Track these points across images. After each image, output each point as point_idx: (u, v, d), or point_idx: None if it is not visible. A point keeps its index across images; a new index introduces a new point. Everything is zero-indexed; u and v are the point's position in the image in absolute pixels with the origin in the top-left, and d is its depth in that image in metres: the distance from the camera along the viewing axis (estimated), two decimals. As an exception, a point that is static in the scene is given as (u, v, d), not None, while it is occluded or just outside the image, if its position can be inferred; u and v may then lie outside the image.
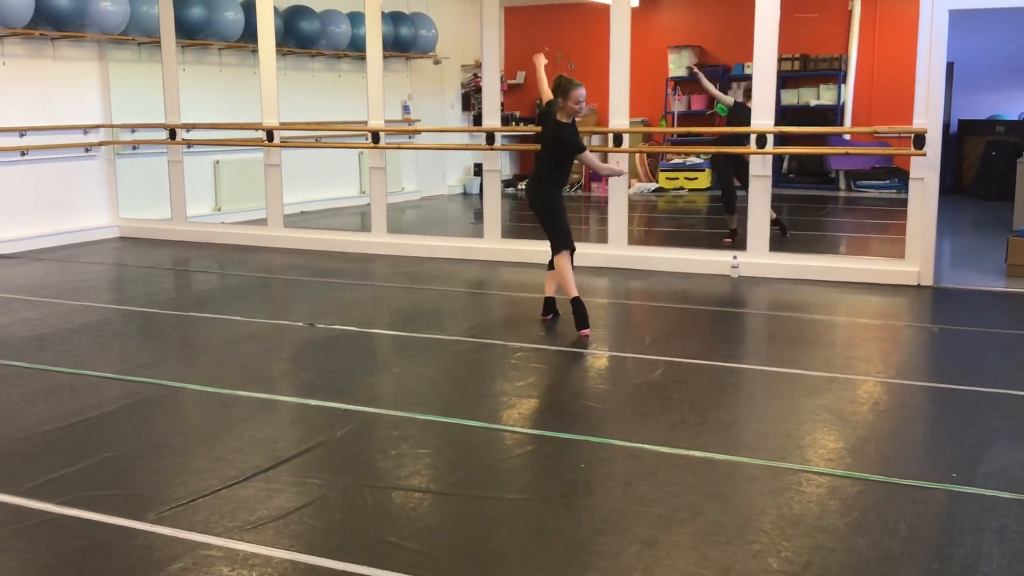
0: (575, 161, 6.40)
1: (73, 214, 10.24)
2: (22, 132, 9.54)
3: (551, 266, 6.45)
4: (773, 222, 9.09)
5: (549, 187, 6.38)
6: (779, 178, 12.33)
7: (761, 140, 7.86)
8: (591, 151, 6.75)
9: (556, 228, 6.37)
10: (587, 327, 6.09)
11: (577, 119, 6.30)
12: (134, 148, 10.68)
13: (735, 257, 8.00)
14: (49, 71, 9.85)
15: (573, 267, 6.37)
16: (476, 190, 14.71)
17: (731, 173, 9.51)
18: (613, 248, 8.56)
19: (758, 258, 7.99)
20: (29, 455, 4.05)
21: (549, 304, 6.58)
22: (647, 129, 14.29)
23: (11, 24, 9.05)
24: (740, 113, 9.38)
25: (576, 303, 6.14)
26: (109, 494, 3.61)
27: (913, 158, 7.48)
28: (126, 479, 3.79)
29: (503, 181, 9.49)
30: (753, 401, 4.87)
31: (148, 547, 3.21)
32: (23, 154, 9.58)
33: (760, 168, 7.99)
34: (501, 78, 9.30)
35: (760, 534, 3.27)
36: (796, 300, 7.28)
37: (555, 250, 6.34)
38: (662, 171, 14.88)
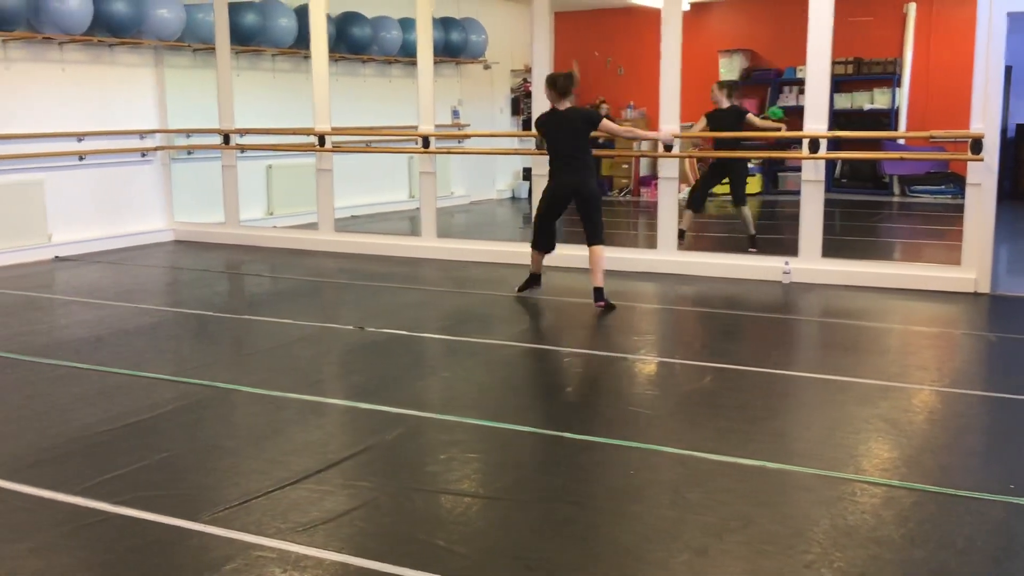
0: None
1: (129, 218, 10.42)
2: (80, 137, 9.74)
3: (536, 246, 7.29)
4: (751, 238, 9.36)
5: (596, 177, 6.99)
6: (832, 183, 12.17)
7: (814, 144, 7.77)
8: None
9: (601, 215, 7.18)
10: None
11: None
12: (189, 153, 10.86)
13: (787, 263, 7.91)
14: (107, 77, 10.05)
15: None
16: (525, 194, 14.72)
17: (713, 178, 9.71)
18: (662, 253, 8.51)
19: (810, 264, 7.90)
20: (86, 455, 4.12)
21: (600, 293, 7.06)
22: (697, 134, 14.18)
23: (70, 31, 9.24)
24: (726, 116, 9.34)
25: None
26: (164, 494, 3.67)
27: (970, 163, 7.34)
28: (180, 480, 3.85)
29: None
30: (805, 409, 4.81)
31: (202, 547, 3.25)
32: (81, 159, 9.78)
33: (813, 173, 7.90)
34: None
35: (813, 544, 3.23)
36: (849, 307, 7.18)
37: (600, 238, 7.15)
38: (712, 176, 14.75)
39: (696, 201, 9.71)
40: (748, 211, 9.65)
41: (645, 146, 13.33)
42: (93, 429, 4.43)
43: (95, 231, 10.01)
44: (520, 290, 7.50)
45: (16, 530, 3.38)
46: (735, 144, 9.61)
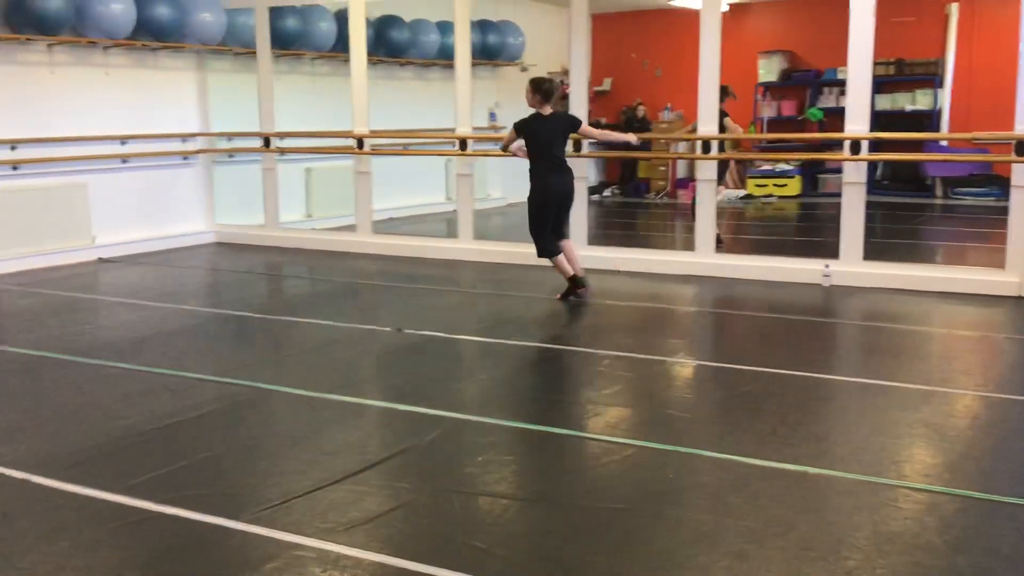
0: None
1: (171, 220, 10.56)
2: (124, 140, 9.88)
3: (542, 253, 7.42)
4: (718, 239, 9.35)
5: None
6: (873, 185, 12.03)
7: (855, 146, 7.69)
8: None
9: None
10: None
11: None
12: (230, 156, 10.97)
13: (827, 266, 7.84)
14: (150, 81, 10.18)
15: None
16: (562, 197, 14.70)
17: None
18: (700, 256, 8.47)
19: (851, 267, 7.82)
20: (129, 454, 4.18)
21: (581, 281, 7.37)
22: (735, 136, 14.10)
23: (114, 35, 9.38)
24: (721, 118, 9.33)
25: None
26: (205, 493, 3.71)
27: (1014, 165, 7.24)
28: (222, 479, 3.89)
29: (588, 188, 9.47)
30: (847, 414, 4.76)
31: (243, 546, 3.28)
32: (124, 161, 9.93)
33: (854, 175, 7.82)
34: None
35: (855, 550, 3.19)
36: (891, 310, 7.10)
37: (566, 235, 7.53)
38: (750, 178, 14.68)
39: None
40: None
41: (682, 148, 13.27)
42: (137, 428, 4.49)
43: (138, 233, 10.15)
44: (564, 297, 7.41)
45: (61, 528, 3.43)
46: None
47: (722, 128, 9.51)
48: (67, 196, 9.40)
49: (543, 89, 7.26)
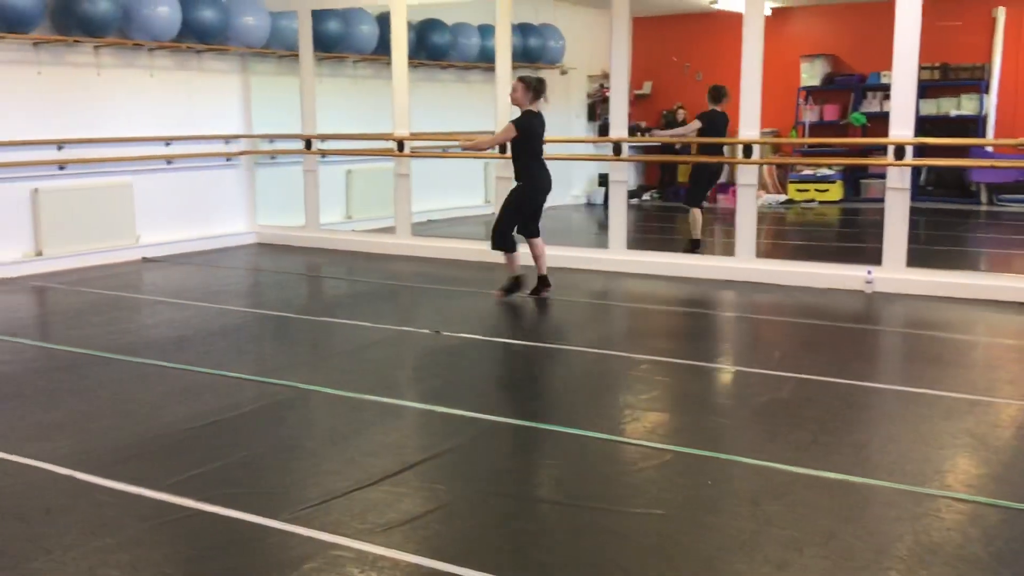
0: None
1: (214, 220, 10.67)
2: (168, 141, 10.01)
3: (502, 247, 7.48)
4: (693, 242, 9.69)
5: None
6: (917, 191, 11.88)
7: (900, 151, 7.60)
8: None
9: None
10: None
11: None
12: (272, 158, 11.08)
13: (869, 272, 7.75)
14: (194, 83, 10.31)
15: None
16: (600, 200, 14.68)
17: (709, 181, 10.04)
18: (740, 261, 8.40)
19: (894, 273, 7.72)
20: (172, 451, 4.23)
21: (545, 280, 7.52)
22: (777, 140, 14.00)
23: (160, 37, 9.50)
24: (717, 120, 9.48)
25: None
26: (246, 492, 3.74)
27: (1064, 171, 7.11)
28: (262, 478, 3.92)
29: (628, 192, 9.44)
30: (889, 422, 4.70)
31: (282, 545, 3.31)
32: (168, 162, 10.05)
33: (898, 180, 7.73)
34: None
35: (896, 561, 3.15)
36: (934, 318, 7.01)
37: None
38: (792, 182, 14.56)
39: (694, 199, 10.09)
40: (699, 215, 9.87)
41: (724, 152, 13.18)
42: (178, 426, 4.54)
43: (181, 233, 10.27)
44: (506, 293, 7.54)
45: (104, 524, 3.48)
46: (712, 149, 9.96)
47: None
48: (112, 196, 9.54)
49: (535, 87, 7.31)
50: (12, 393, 5.14)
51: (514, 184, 7.45)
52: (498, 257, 9.46)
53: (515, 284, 7.50)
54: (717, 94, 9.60)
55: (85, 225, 9.28)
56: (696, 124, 9.55)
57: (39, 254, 8.98)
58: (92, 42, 9.11)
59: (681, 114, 14.90)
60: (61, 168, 9.11)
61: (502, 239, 7.48)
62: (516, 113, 7.52)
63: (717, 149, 9.86)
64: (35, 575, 3.10)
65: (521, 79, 7.41)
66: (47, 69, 8.98)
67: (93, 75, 9.37)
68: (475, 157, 8.32)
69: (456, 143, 11.83)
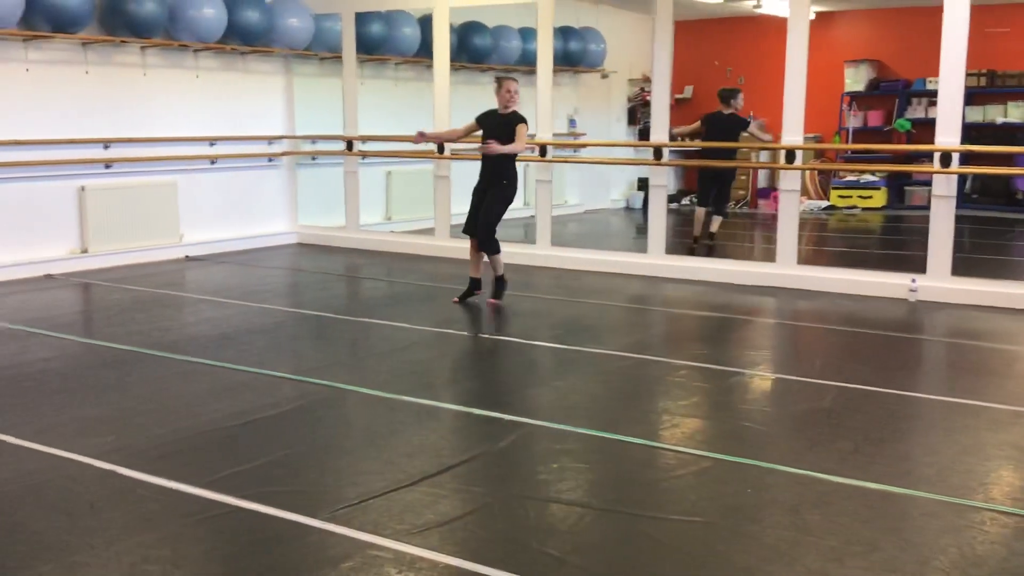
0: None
1: (255, 220, 10.77)
2: (212, 141, 10.12)
3: (493, 249, 7.44)
4: (709, 236, 9.93)
5: None
6: (962, 199, 11.71)
7: (945, 159, 7.50)
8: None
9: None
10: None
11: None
12: (313, 159, 11.16)
13: (913, 280, 7.65)
14: (238, 84, 10.41)
15: None
16: (639, 204, 14.63)
17: (706, 184, 10.22)
18: (781, 267, 8.34)
19: (938, 282, 7.62)
20: (213, 449, 4.27)
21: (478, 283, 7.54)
22: (820, 146, 13.87)
23: (205, 39, 9.61)
24: (721, 123, 9.58)
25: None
26: (285, 490, 3.77)
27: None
28: (301, 477, 3.95)
29: (668, 196, 9.39)
30: (932, 433, 4.64)
31: (320, 544, 3.33)
32: (212, 162, 10.16)
33: (944, 188, 7.62)
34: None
35: (939, 573, 3.10)
36: (980, 327, 6.90)
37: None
38: (834, 188, 14.41)
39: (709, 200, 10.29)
40: (701, 214, 10.11)
41: (765, 156, 13.08)
42: (219, 424, 4.59)
43: (223, 232, 10.38)
44: (463, 299, 7.53)
45: (146, 519, 3.52)
46: (729, 153, 10.06)
47: (753, 137, 9.71)
48: (157, 195, 9.66)
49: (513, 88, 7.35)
50: (57, 388, 5.23)
51: (502, 183, 7.41)
52: (534, 260, 9.49)
53: (502, 284, 7.53)
54: (724, 96, 9.78)
55: (130, 223, 9.41)
56: (695, 125, 9.79)
57: (85, 251, 9.11)
58: (139, 43, 9.24)
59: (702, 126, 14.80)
60: (107, 167, 9.24)
61: (495, 241, 7.48)
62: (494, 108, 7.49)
63: (720, 151, 9.91)
64: (78, 568, 3.15)
65: (511, 79, 7.44)
66: (94, 69, 9.12)
67: (139, 75, 9.49)
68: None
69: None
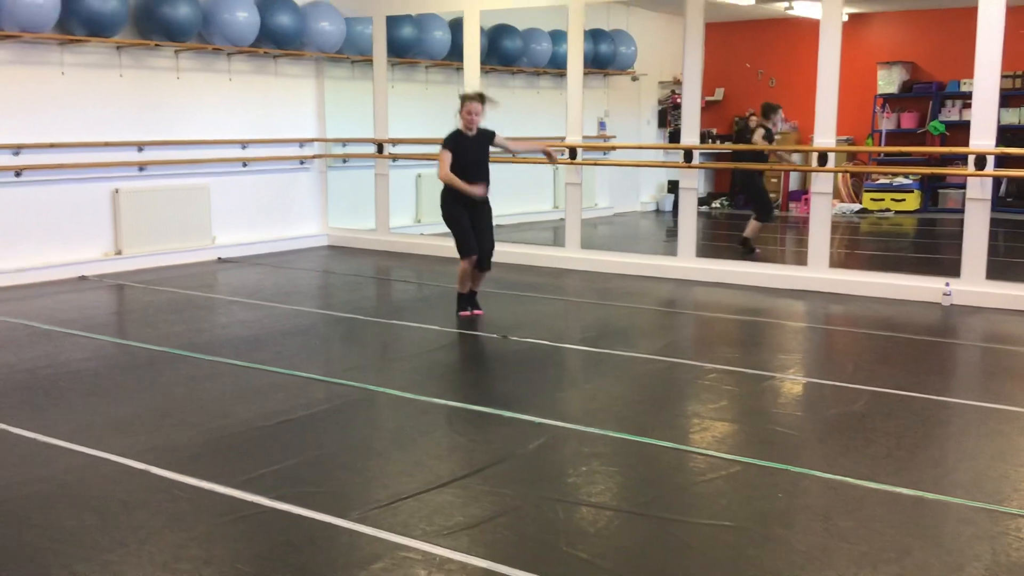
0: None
1: (287, 222, 10.85)
2: (244, 144, 10.20)
3: (485, 267, 7.13)
4: (743, 242, 9.97)
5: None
6: (997, 202, 11.57)
7: (980, 161, 7.42)
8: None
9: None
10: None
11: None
12: (344, 161, 11.23)
13: (947, 284, 7.58)
14: (270, 87, 10.50)
15: None
16: (669, 207, 14.59)
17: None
18: (813, 271, 8.28)
19: (973, 286, 7.54)
20: (245, 449, 4.30)
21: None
22: (852, 148, 13.77)
23: (238, 42, 9.70)
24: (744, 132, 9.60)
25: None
26: (316, 491, 3.79)
27: None
28: (331, 477, 3.97)
29: (698, 199, 9.36)
30: (966, 438, 4.58)
31: (351, 545, 3.34)
32: (244, 165, 10.24)
33: (978, 191, 7.54)
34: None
35: (974, 581, 3.07)
36: (1015, 332, 6.81)
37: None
38: (867, 191, 14.29)
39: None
40: (757, 225, 10.16)
41: (796, 159, 13.01)
42: (251, 424, 4.62)
43: (255, 234, 10.46)
44: (471, 307, 7.24)
45: (179, 519, 3.55)
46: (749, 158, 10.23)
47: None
48: (190, 197, 9.76)
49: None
50: (91, 389, 5.29)
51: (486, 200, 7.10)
52: (563, 263, 9.48)
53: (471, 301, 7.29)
54: (768, 111, 9.82)
55: (163, 225, 9.51)
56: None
57: (119, 253, 9.22)
58: (173, 46, 9.34)
59: (754, 121, 14.73)
60: (141, 169, 9.35)
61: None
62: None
63: (742, 159, 10.09)
64: (111, 567, 3.18)
65: (480, 96, 7.02)
66: (129, 72, 9.22)
67: (173, 79, 9.59)
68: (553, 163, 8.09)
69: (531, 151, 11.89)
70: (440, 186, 7.08)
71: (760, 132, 9.79)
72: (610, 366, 5.87)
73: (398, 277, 9.37)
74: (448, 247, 10.35)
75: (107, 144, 9.03)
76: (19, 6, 8.00)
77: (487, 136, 7.07)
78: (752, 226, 10.10)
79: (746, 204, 10.24)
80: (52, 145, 8.60)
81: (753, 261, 9.17)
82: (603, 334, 6.84)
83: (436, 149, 10.77)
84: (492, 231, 7.16)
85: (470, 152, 6.93)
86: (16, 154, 8.40)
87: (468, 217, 7.01)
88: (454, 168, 6.86)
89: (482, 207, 7.06)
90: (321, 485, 3.86)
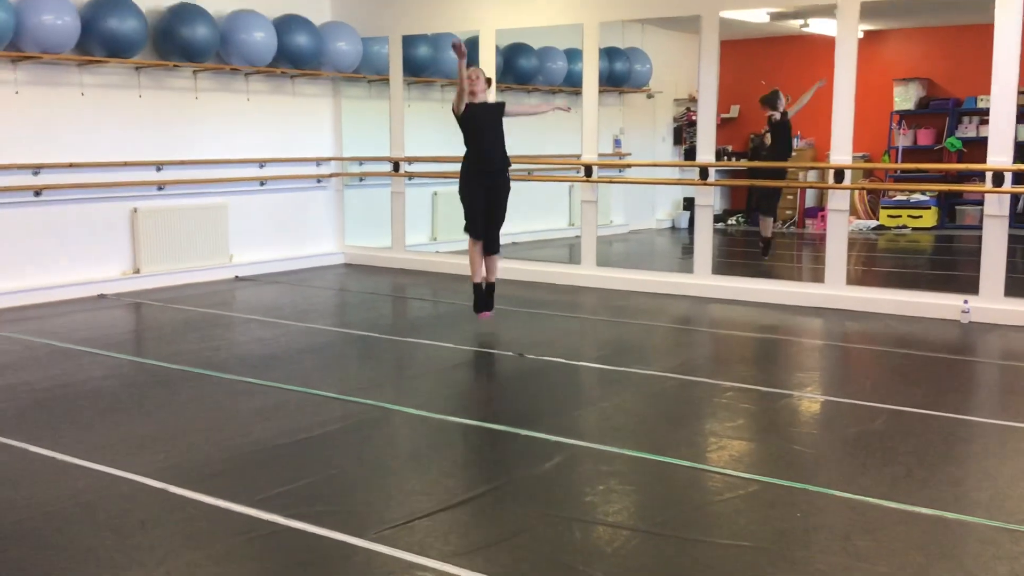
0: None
1: (304, 241, 10.90)
2: (262, 163, 10.27)
3: (492, 250, 7.15)
4: (764, 242, 10.19)
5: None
6: (1015, 219, 11.50)
7: (998, 178, 7.38)
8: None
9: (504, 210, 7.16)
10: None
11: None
12: (360, 180, 11.28)
13: (965, 301, 7.53)
14: (288, 106, 10.56)
15: None
16: (684, 224, 14.56)
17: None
18: (830, 287, 8.24)
19: (991, 303, 7.49)
20: (261, 467, 4.31)
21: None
22: (869, 165, 13.72)
23: (256, 62, 9.77)
24: (783, 129, 9.98)
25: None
26: (332, 510, 3.79)
27: None
28: (347, 496, 3.97)
29: (714, 216, 9.35)
30: (987, 457, 4.54)
31: (367, 564, 3.34)
32: (262, 184, 10.30)
33: (996, 208, 7.50)
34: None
35: (995, 603, 3.04)
36: (1034, 350, 6.76)
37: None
38: (883, 208, 14.23)
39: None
40: (769, 221, 10.50)
41: (812, 176, 12.98)
42: (268, 443, 4.63)
43: (272, 253, 10.51)
44: (489, 307, 7.37)
45: (195, 537, 3.56)
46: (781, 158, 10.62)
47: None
48: (208, 216, 9.81)
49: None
50: (109, 407, 5.31)
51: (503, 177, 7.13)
52: (579, 280, 9.48)
53: (492, 290, 7.45)
54: (773, 99, 10.04)
55: (181, 244, 9.56)
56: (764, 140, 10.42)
57: (137, 271, 9.27)
58: (191, 67, 9.41)
59: (769, 138, 14.71)
60: (160, 188, 9.41)
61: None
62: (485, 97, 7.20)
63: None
64: (129, 585, 3.19)
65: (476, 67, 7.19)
66: (148, 93, 9.30)
67: (191, 99, 9.67)
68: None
69: (540, 166, 11.93)
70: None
71: (767, 128, 10.04)
72: (626, 384, 5.85)
73: (414, 295, 9.39)
74: (462, 264, 10.37)
75: (126, 164, 9.10)
76: (40, 27, 8.09)
77: (498, 107, 7.16)
78: (767, 223, 10.21)
79: (758, 205, 10.46)
80: (71, 165, 8.67)
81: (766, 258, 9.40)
82: (619, 352, 6.83)
83: (451, 167, 10.88)
84: (503, 210, 7.15)
85: (480, 116, 6.99)
86: (36, 174, 8.48)
87: (484, 196, 7.05)
88: (468, 134, 7.04)
89: (500, 183, 7.07)
90: (337, 504, 3.86)
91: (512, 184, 7.28)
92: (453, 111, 7.09)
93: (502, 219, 7.19)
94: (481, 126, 7.01)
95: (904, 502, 3.84)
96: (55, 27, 8.16)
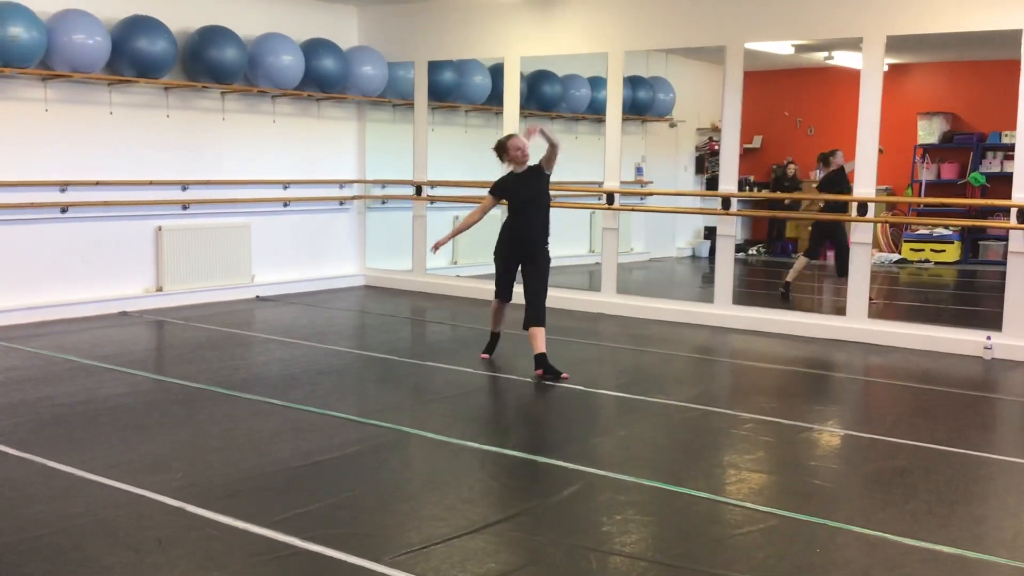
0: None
1: (325, 262, 10.95)
2: (286, 185, 10.34)
3: (539, 322, 6.68)
4: (784, 287, 10.17)
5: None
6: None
7: (1023, 214, 7.34)
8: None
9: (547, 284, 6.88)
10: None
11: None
12: (383, 202, 11.34)
13: (989, 337, 7.47)
14: (313, 129, 10.65)
15: None
16: (705, 253, 14.54)
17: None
18: (851, 321, 8.20)
19: (1015, 340, 7.42)
20: (279, 489, 4.31)
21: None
22: (892, 199, 13.67)
23: (283, 85, 9.86)
24: (840, 181, 9.75)
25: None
26: (348, 533, 3.78)
27: None
28: (364, 519, 3.96)
29: (735, 246, 9.33)
30: (1009, 495, 4.49)
31: (382, 589, 3.33)
32: (285, 205, 10.37)
33: (1021, 244, 7.45)
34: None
35: (1018, 645, 2.99)
36: (1058, 388, 6.69)
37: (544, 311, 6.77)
38: (906, 242, 14.17)
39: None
40: (801, 263, 10.57)
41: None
42: (285, 464, 4.64)
43: (294, 274, 10.56)
44: (490, 352, 7.27)
45: (212, 557, 3.56)
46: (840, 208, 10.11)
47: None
48: (231, 236, 9.88)
49: (501, 148, 6.96)
50: (129, 424, 5.33)
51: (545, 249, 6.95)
52: (599, 307, 9.47)
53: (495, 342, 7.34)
54: (828, 158, 10.00)
55: (204, 263, 9.63)
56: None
57: (159, 289, 9.34)
58: (219, 88, 9.51)
59: (792, 169, 14.72)
60: (184, 208, 9.49)
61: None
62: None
63: (834, 209, 10.06)
64: (145, 604, 3.19)
65: (516, 135, 6.97)
66: (175, 113, 9.40)
67: (218, 120, 9.76)
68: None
69: (562, 193, 11.94)
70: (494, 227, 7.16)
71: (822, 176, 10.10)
72: (645, 413, 5.83)
73: (433, 318, 9.41)
74: (482, 289, 10.39)
75: (152, 183, 9.19)
76: (70, 47, 8.21)
77: (537, 171, 6.82)
78: (802, 263, 10.41)
79: (829, 246, 10.55)
80: (98, 183, 8.76)
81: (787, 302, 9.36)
82: (638, 380, 6.80)
83: (474, 192, 10.94)
84: (543, 283, 6.83)
85: (522, 190, 6.81)
86: (63, 191, 8.57)
87: (515, 266, 6.94)
88: (511, 210, 6.92)
89: (537, 257, 6.83)
90: (354, 527, 3.86)
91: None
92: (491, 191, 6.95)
93: (542, 291, 6.82)
94: (520, 198, 6.82)
95: (925, 540, 3.80)
96: (86, 47, 8.27)
